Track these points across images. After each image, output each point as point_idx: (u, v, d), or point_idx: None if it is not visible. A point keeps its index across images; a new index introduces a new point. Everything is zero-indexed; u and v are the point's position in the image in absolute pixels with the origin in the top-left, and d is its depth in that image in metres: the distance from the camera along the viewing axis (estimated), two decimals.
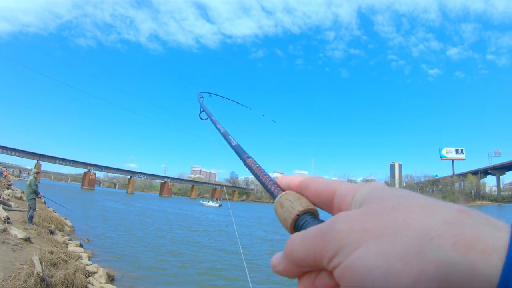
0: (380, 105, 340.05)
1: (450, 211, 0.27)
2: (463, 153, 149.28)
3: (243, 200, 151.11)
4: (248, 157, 0.71)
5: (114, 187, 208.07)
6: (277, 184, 0.53)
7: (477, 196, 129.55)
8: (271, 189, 0.53)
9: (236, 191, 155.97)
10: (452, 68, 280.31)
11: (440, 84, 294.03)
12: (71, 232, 15.55)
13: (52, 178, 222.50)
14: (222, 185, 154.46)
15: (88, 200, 47.69)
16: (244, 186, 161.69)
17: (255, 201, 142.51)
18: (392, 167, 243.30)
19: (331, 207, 0.39)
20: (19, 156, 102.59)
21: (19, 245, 7.45)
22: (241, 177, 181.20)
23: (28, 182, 11.56)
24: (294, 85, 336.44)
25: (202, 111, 1.77)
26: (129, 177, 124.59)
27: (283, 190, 0.50)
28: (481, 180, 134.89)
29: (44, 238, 9.59)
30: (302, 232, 0.35)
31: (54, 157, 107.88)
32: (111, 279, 9.06)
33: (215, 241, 18.76)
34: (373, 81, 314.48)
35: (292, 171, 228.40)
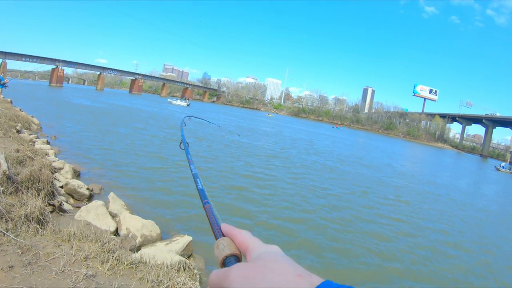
0: (366, 29, 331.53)
1: (292, 275, 0.46)
2: (436, 95, 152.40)
3: (214, 101, 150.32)
4: (207, 202, 0.86)
5: (83, 84, 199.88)
6: (220, 229, 0.69)
7: (440, 138, 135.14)
8: (215, 232, 0.70)
9: (207, 92, 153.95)
10: (450, 11, 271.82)
11: (433, 24, 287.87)
12: (38, 130, 15.64)
13: (19, 76, 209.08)
14: (193, 85, 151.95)
15: (56, 98, 46.59)
16: (216, 88, 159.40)
17: (225, 104, 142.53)
18: (365, 91, 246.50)
19: (245, 253, 0.60)
20: None
21: None
22: (214, 78, 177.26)
23: None
24: None
25: (182, 142, 1.91)
26: (98, 73, 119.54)
27: (222, 234, 0.68)
28: (447, 125, 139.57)
29: (10, 137, 9.70)
30: (218, 270, 0.56)
31: (20, 54, 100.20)
32: (77, 174, 9.46)
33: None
34: (364, 2, 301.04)
35: (265, 78, 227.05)
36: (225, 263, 0.61)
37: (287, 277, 0.46)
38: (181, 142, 1.92)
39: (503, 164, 69.11)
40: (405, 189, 17.59)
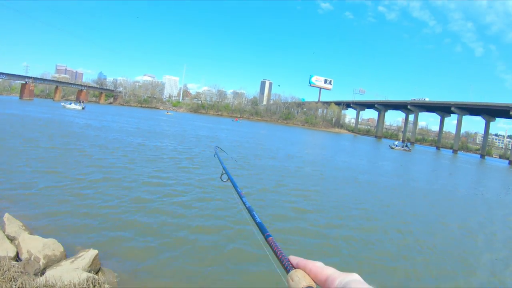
0: (263, 24, 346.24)
1: None
2: (331, 84, 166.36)
3: (110, 103, 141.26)
4: (269, 235, 0.87)
5: None
6: (289, 262, 0.71)
7: (337, 124, 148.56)
8: (285, 265, 0.72)
9: (103, 93, 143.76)
10: (344, 8, 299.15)
11: (328, 19, 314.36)
12: None
13: None
14: (88, 86, 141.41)
15: None
16: (112, 88, 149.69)
17: (123, 104, 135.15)
18: (262, 84, 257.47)
19: (323, 285, 0.63)
20: None
21: None
22: (110, 78, 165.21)
23: None
24: None
25: (224, 174, 1.73)
26: None
27: (293, 266, 0.70)
28: (343, 111, 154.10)
29: None
30: None
31: None
32: None
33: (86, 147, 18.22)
34: None
35: (163, 76, 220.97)
36: None
37: None
38: (222, 174, 1.75)
39: (396, 142, 78.91)
40: (314, 176, 19.57)
